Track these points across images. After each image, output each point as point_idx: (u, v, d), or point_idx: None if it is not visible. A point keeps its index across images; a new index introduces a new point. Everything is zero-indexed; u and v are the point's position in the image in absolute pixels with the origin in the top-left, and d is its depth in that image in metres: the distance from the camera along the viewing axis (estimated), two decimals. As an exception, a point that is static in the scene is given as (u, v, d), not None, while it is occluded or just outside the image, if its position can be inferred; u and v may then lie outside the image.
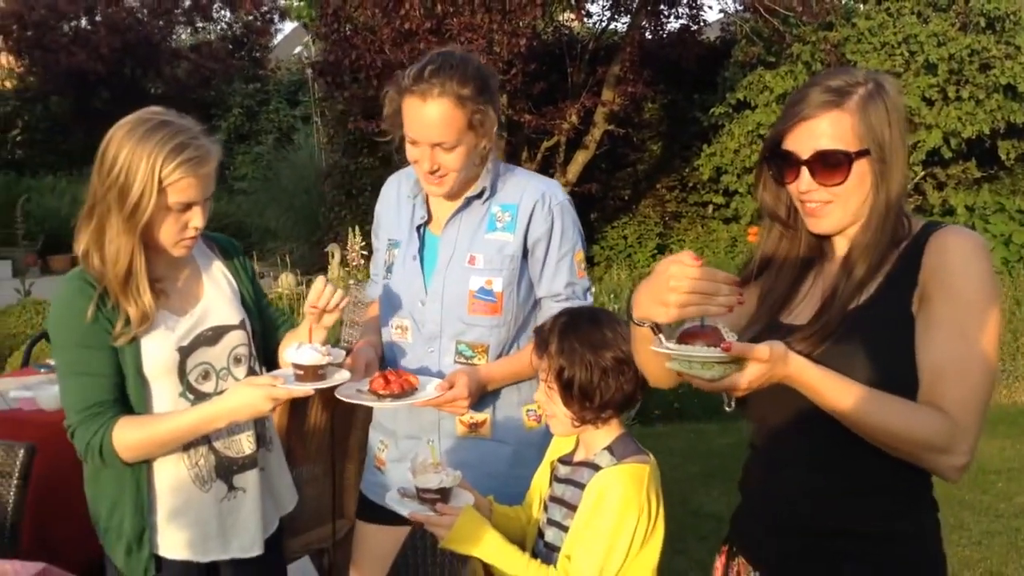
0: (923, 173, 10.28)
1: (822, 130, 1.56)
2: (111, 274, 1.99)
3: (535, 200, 2.27)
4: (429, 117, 2.13)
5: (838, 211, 1.60)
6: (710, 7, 21.66)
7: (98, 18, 17.55)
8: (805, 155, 1.57)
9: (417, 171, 2.24)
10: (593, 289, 2.38)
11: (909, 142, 9.17)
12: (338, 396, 2.15)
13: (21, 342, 6.26)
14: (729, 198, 11.19)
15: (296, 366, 2.01)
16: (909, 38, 9.83)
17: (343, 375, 2.09)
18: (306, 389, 2.01)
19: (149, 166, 1.93)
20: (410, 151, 2.21)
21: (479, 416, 2.30)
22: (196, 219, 2.03)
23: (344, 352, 2.13)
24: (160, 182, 1.95)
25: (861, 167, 1.56)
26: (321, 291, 2.08)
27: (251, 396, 1.99)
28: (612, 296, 8.23)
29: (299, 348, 2.02)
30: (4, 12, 17.11)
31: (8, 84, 19.12)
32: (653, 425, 6.28)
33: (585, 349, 1.90)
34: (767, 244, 1.75)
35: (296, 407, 3.07)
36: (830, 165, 1.56)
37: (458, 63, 2.15)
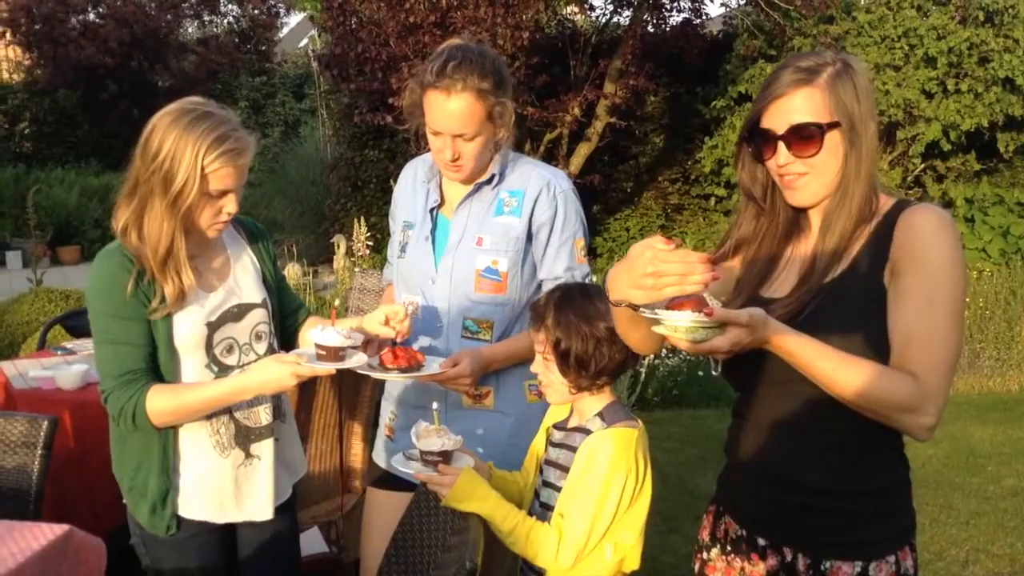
0: (923, 165, 10.35)
1: (795, 106, 1.67)
2: (149, 252, 2.11)
3: (540, 187, 2.41)
4: (452, 111, 2.26)
5: (814, 182, 1.70)
6: (712, 1, 21.69)
7: (105, 11, 17.63)
8: (780, 130, 1.69)
9: (437, 159, 2.38)
10: (593, 277, 2.51)
11: (909, 135, 9.23)
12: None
13: (34, 329, 6.40)
14: (731, 190, 11.25)
15: (319, 347, 2.14)
16: (909, 31, 9.88)
17: (361, 358, 2.21)
18: (328, 368, 2.14)
19: (193, 155, 2.05)
20: (433, 141, 2.34)
21: (483, 388, 2.43)
22: (230, 205, 2.16)
23: (362, 336, 2.26)
24: (202, 170, 2.07)
25: (833, 138, 1.67)
26: (403, 318, 2.26)
27: (278, 372, 2.11)
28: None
29: (323, 331, 2.14)
30: (13, 5, 17.19)
31: (16, 77, 19.20)
32: (652, 411, 6.39)
33: (580, 321, 2.03)
34: (743, 223, 1.86)
35: (306, 386, 3.20)
36: (804, 137, 1.67)
37: (477, 57, 2.28)
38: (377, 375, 2.30)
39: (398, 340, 2.28)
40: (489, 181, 2.43)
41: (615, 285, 1.59)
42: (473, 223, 2.43)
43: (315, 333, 2.15)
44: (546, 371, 2.09)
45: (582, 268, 2.46)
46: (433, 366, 2.30)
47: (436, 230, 2.49)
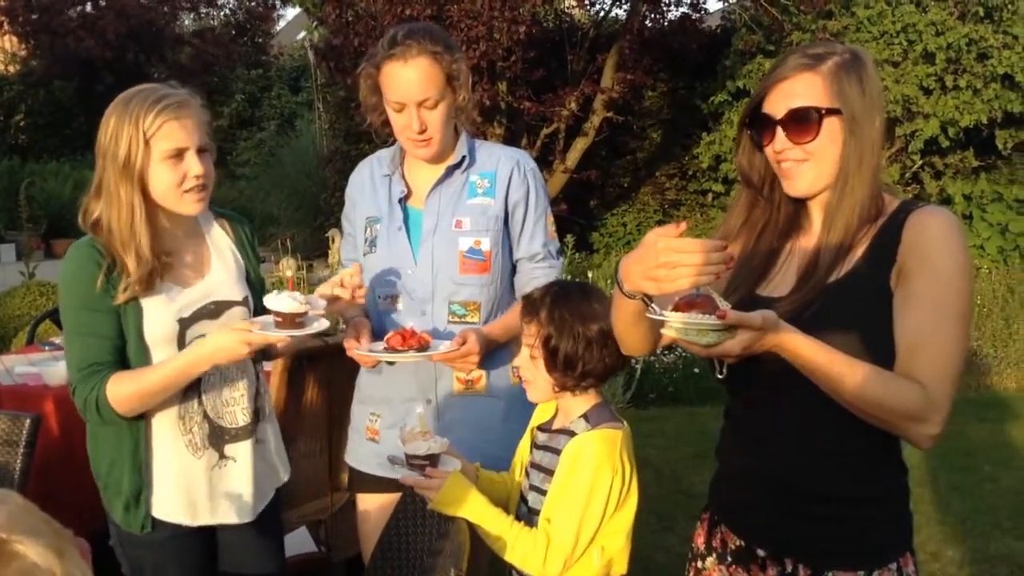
0: (921, 162, 10.31)
1: (796, 90, 1.63)
2: (115, 228, 2.06)
3: (511, 167, 2.43)
4: (411, 77, 2.26)
5: (811, 171, 1.65)
6: (711, -5, 21.69)
7: (103, 3, 17.57)
8: (779, 115, 1.64)
9: (404, 137, 2.36)
10: (564, 250, 2.50)
11: (907, 131, 9.15)
12: (355, 355, 2.28)
13: (25, 323, 6.34)
14: (728, 186, 11.20)
15: (276, 313, 2.05)
16: (908, 27, 9.83)
17: (322, 323, 2.12)
18: (280, 335, 2.06)
19: (132, 123, 2.04)
20: (396, 119, 2.33)
21: (475, 373, 2.42)
22: (193, 166, 2.10)
23: (323, 303, 2.18)
24: (144, 134, 2.04)
25: (832, 125, 1.62)
26: (357, 278, 2.25)
27: (227, 340, 2.04)
28: (610, 282, 8.30)
29: (278, 295, 2.05)
30: (11, -5, 17.16)
31: (12, 69, 19.14)
32: (647, 408, 6.36)
33: (574, 319, 1.97)
34: (736, 212, 1.81)
35: (293, 383, 3.15)
36: (801, 122, 1.62)
37: (423, 28, 2.33)
38: (391, 357, 2.28)
39: (356, 298, 2.25)
40: (459, 164, 2.42)
41: (629, 275, 1.54)
42: (447, 208, 2.41)
43: (269, 299, 2.06)
44: (531, 367, 2.04)
45: (555, 243, 2.50)
46: (441, 346, 2.28)
47: (407, 220, 2.46)
